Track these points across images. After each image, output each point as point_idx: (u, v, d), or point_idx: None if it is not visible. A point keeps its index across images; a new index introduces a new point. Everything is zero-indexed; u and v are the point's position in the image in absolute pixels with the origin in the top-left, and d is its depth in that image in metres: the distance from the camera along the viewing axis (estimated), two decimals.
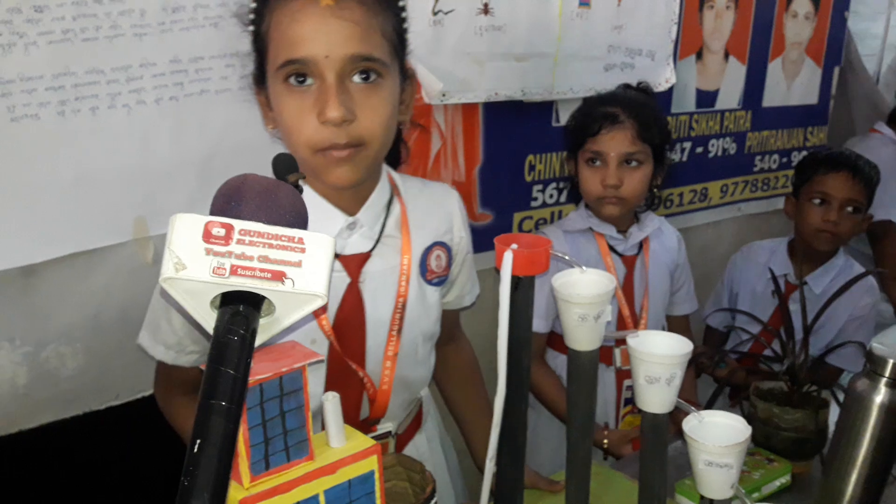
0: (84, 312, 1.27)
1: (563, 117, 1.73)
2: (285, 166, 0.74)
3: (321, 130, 0.90)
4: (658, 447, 1.01)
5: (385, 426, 1.10)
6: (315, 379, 1.00)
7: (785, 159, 2.44)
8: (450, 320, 1.25)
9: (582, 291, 0.96)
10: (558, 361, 1.55)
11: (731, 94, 2.16)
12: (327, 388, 1.01)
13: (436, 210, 1.12)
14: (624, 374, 1.53)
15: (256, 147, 1.32)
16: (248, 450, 0.74)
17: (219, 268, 0.50)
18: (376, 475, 0.82)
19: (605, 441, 1.47)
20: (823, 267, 1.74)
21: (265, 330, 0.54)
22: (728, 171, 2.26)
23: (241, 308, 0.51)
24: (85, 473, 1.32)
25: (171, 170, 1.30)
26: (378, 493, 0.82)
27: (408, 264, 1.05)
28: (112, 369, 1.32)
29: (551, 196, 1.83)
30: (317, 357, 0.78)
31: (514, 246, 0.97)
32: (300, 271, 0.52)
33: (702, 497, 0.96)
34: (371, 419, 1.09)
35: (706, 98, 2.10)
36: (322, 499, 0.78)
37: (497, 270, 0.97)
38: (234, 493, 0.73)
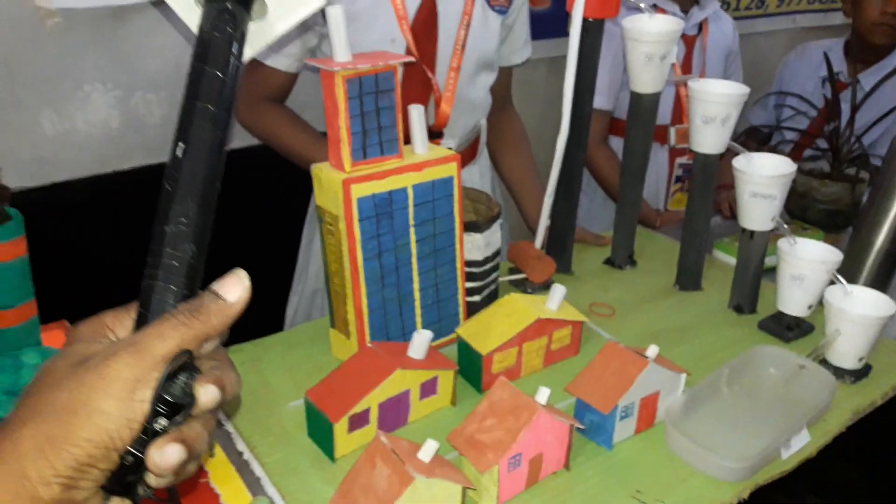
0: (167, 61, 1.34)
1: None
2: None
3: None
4: (707, 186, 1.09)
5: (447, 142, 1.21)
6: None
7: None
8: (502, 82, 1.33)
9: (650, 29, 1.00)
10: (618, 147, 1.62)
11: None
12: (400, 90, 1.11)
13: None
14: (677, 153, 1.60)
15: None
16: (350, 137, 0.83)
17: None
18: (455, 179, 0.92)
19: (658, 221, 1.57)
20: (877, 66, 1.75)
21: (257, 36, 0.48)
22: None
23: (228, 4, 0.45)
24: None
25: None
26: (456, 195, 0.92)
27: None
28: None
29: None
30: (408, 58, 0.86)
31: None
32: None
33: (743, 230, 1.06)
34: (435, 128, 1.21)
35: None
36: (410, 191, 0.88)
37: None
38: (337, 175, 0.84)
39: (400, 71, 1.09)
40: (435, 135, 1.21)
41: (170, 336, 0.37)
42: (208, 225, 0.41)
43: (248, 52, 0.47)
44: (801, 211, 1.39)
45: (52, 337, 0.72)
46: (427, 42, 1.14)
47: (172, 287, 0.40)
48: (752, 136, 1.86)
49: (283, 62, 1.14)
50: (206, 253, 0.41)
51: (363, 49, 1.06)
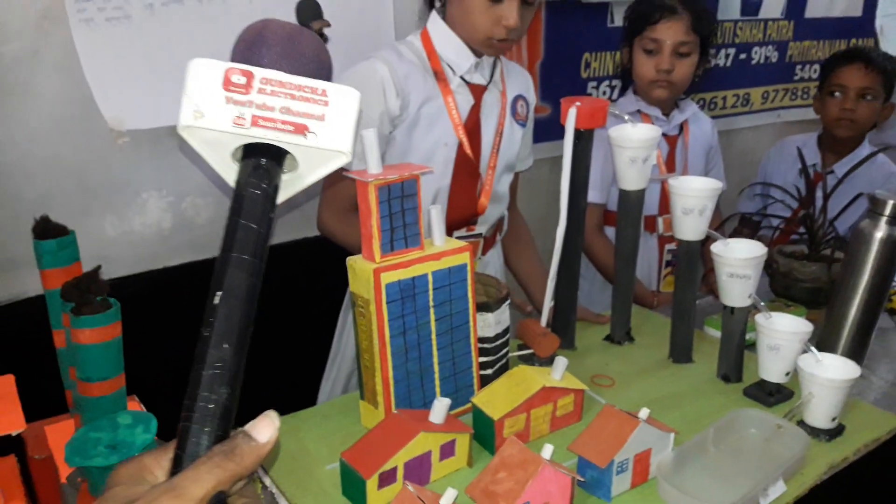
0: (214, 171, 1.53)
1: (618, 19, 1.91)
2: (310, 12, 0.80)
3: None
4: (691, 269, 1.24)
5: (480, 227, 1.43)
6: (447, 170, 1.36)
7: None
8: (512, 185, 1.52)
9: (633, 136, 1.18)
10: (612, 236, 1.78)
11: (775, 4, 2.30)
12: (455, 176, 1.34)
13: (519, 75, 1.50)
14: (665, 240, 1.75)
15: (351, 36, 1.56)
16: (380, 234, 0.99)
17: (239, 117, 0.47)
18: (468, 266, 1.07)
19: (655, 301, 1.71)
20: (849, 156, 1.92)
21: (288, 186, 0.51)
22: (770, 79, 2.41)
23: (262, 161, 0.47)
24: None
25: None
26: (469, 279, 1.07)
27: (505, 103, 1.40)
28: None
29: (604, 92, 2.03)
30: (427, 169, 1.03)
31: (578, 103, 1.19)
32: (323, 125, 0.48)
33: (724, 306, 1.19)
34: (477, 214, 1.42)
35: (750, 7, 2.25)
36: (430, 277, 1.04)
37: (554, 124, 1.21)
38: (368, 265, 0.99)
39: (452, 161, 1.36)
40: (472, 221, 1.42)
41: (206, 479, 0.39)
42: (242, 365, 0.43)
43: (282, 198, 0.49)
44: (784, 290, 1.52)
45: (133, 405, 0.86)
46: (473, 143, 1.37)
47: (207, 429, 0.41)
48: (745, 224, 2.02)
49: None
50: (241, 389, 0.44)
51: (422, 148, 1.33)
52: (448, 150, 1.34)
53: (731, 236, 1.77)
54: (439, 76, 1.33)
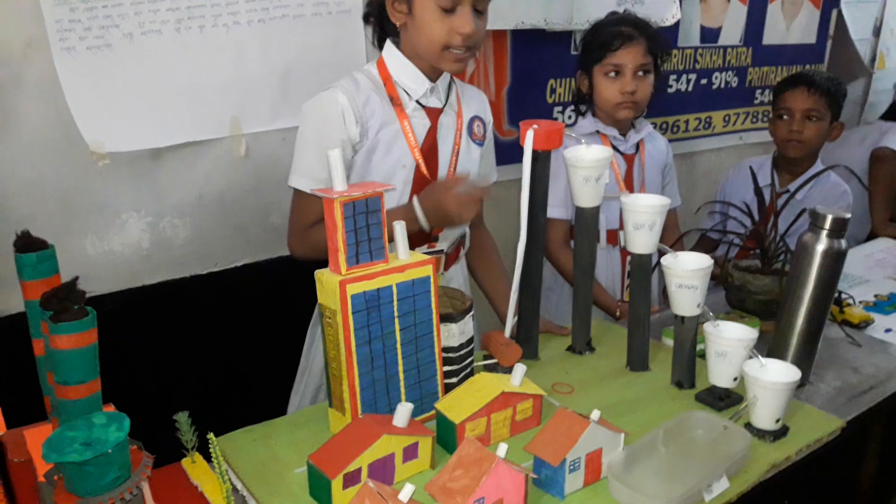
0: (191, 192, 1.60)
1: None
2: None
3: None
4: (643, 280, 1.31)
5: (441, 244, 1.47)
6: (406, 190, 1.41)
7: None
8: None
9: (586, 157, 1.25)
10: None
11: (733, 32, 2.41)
12: (413, 195, 1.37)
13: (475, 96, 1.55)
14: (627, 252, 1.82)
15: (325, 66, 1.63)
16: (346, 247, 1.05)
17: None
18: (432, 279, 1.13)
19: (618, 312, 1.78)
20: (803, 176, 2.01)
21: None
22: (730, 103, 2.51)
23: None
24: (189, 323, 1.66)
25: (258, 80, 1.61)
26: (433, 290, 1.13)
27: (461, 124, 1.46)
28: (212, 241, 1.65)
29: (570, 117, 2.11)
30: (389, 187, 1.10)
31: (535, 126, 1.27)
32: None
33: (675, 316, 1.26)
34: (434, 233, 1.46)
35: (710, 34, 2.35)
36: (395, 289, 1.09)
37: (521, 147, 1.28)
38: (335, 277, 1.05)
39: (410, 182, 1.41)
40: (433, 238, 1.46)
41: None
42: None
43: None
44: (739, 302, 1.59)
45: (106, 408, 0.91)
46: (430, 164, 1.42)
47: None
48: (703, 245, 2.10)
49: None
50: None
51: (381, 170, 1.39)
52: (406, 172, 1.40)
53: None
54: (395, 101, 1.39)
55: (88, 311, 0.84)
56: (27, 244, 0.91)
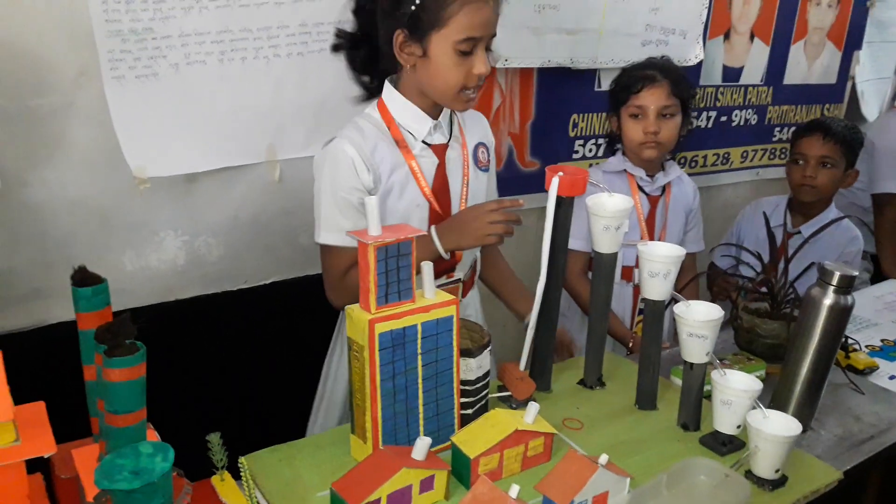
0: (226, 214, 1.67)
1: (605, 83, 2.06)
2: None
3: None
4: (656, 326, 1.36)
5: (458, 273, 1.53)
6: (423, 228, 1.42)
7: None
8: None
9: (607, 207, 1.31)
10: None
11: (754, 71, 2.46)
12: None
13: (476, 122, 1.57)
14: (639, 290, 1.88)
15: (357, 97, 1.69)
16: (376, 288, 1.12)
17: None
18: (454, 318, 1.20)
19: (631, 343, 1.84)
20: (816, 219, 2.06)
21: None
22: (749, 139, 2.56)
23: None
24: (219, 335, 1.73)
25: (295, 109, 1.68)
26: (455, 329, 1.20)
27: (466, 155, 1.49)
28: (244, 260, 1.72)
29: (591, 150, 2.17)
30: (420, 232, 1.16)
31: (561, 173, 1.32)
32: None
33: (685, 362, 1.32)
34: (456, 262, 1.51)
35: (732, 74, 2.40)
36: (419, 328, 1.16)
37: (546, 191, 1.34)
38: (365, 315, 1.11)
39: (426, 221, 1.46)
40: (451, 268, 1.51)
41: None
42: None
43: None
44: (747, 344, 1.65)
45: (150, 435, 0.98)
46: (443, 201, 1.46)
47: None
48: (713, 274, 2.15)
49: (349, 239, 1.36)
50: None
51: (398, 211, 1.43)
52: (421, 211, 1.42)
53: (709, 287, 1.91)
54: (401, 144, 1.40)
55: (139, 346, 0.91)
56: (84, 278, 0.98)
